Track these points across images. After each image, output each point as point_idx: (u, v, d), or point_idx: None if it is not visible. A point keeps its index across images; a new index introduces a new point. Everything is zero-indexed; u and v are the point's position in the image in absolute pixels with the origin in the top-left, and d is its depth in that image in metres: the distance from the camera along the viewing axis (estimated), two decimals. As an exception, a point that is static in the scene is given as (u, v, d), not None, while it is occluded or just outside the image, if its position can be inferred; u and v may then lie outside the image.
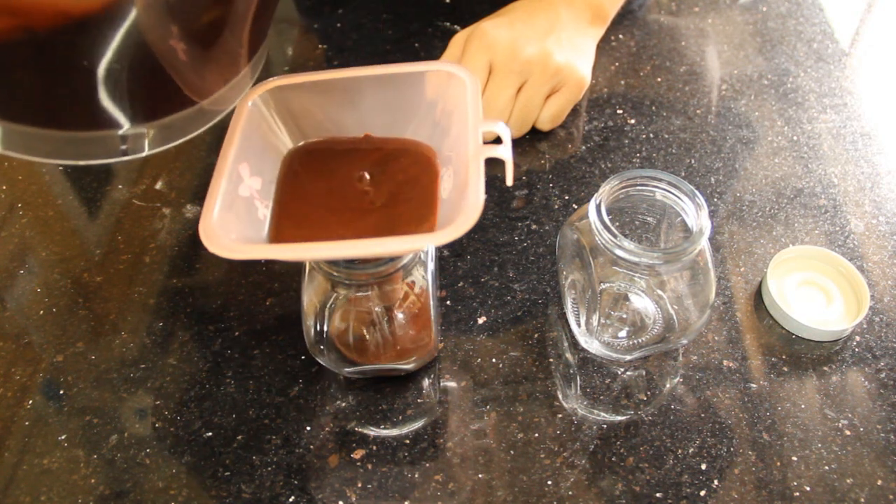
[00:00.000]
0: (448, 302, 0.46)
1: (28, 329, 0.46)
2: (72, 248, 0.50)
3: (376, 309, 0.39)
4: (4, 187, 0.54)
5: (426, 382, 0.43)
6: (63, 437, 0.41)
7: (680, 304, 0.42)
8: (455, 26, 0.64)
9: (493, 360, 0.43)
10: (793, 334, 0.44)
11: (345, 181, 0.37)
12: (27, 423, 0.41)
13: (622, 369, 0.43)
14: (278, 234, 0.35)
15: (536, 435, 0.40)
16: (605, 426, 0.40)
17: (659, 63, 0.61)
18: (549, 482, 0.38)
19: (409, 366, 0.41)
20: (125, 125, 0.30)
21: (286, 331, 0.45)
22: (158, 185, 0.53)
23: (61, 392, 0.43)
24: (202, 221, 0.31)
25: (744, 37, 0.64)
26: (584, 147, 0.55)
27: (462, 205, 0.30)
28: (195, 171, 0.54)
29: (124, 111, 0.30)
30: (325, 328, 0.40)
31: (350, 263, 0.35)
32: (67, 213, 0.53)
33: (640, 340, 0.43)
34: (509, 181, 0.32)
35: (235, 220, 0.33)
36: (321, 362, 0.41)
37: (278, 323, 0.45)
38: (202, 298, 0.47)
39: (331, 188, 0.37)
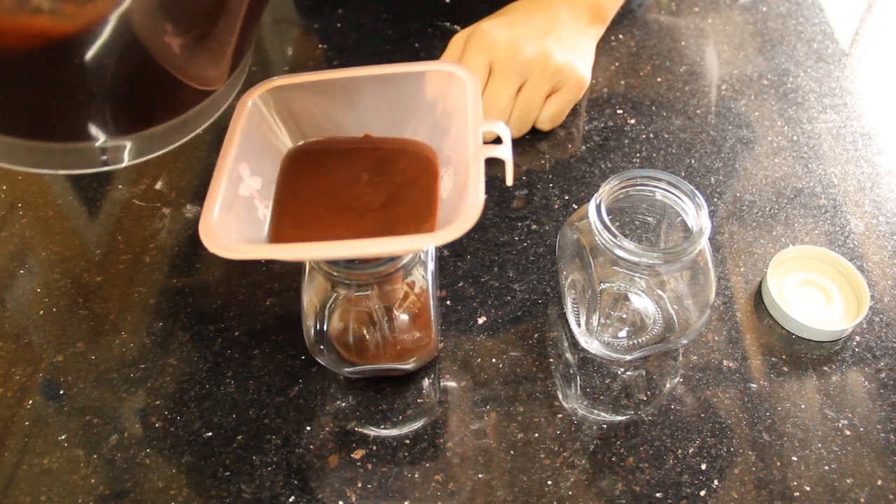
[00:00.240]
0: (448, 302, 0.46)
1: (28, 329, 0.46)
2: (72, 248, 0.50)
3: (376, 309, 0.39)
4: (4, 187, 0.54)
5: (426, 382, 0.43)
6: (63, 437, 0.41)
7: (680, 304, 0.42)
8: (455, 26, 0.64)
9: (493, 360, 0.43)
10: (793, 334, 0.44)
11: (345, 181, 0.37)
12: (27, 423, 0.41)
13: (622, 369, 0.43)
14: (278, 234, 0.35)
15: (536, 435, 0.40)
16: (605, 426, 0.40)
17: (659, 63, 0.61)
18: (549, 482, 0.38)
19: (409, 366, 0.41)
20: (106, 138, 0.30)
21: (286, 331, 0.45)
22: (158, 185, 0.53)
23: (61, 392, 0.43)
24: (202, 221, 0.31)
25: (744, 37, 0.64)
26: (584, 147, 0.55)
27: (462, 205, 0.30)
28: (195, 171, 0.54)
29: (105, 124, 0.30)
30: (325, 328, 0.40)
31: (350, 263, 0.35)
32: (67, 213, 0.53)
33: (640, 340, 0.43)
34: (509, 181, 0.32)
35: (235, 220, 0.33)
36: (321, 362, 0.41)
37: (278, 323, 0.45)
38: (202, 298, 0.47)
39: (331, 188, 0.37)
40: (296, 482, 0.39)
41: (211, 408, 0.42)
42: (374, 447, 0.40)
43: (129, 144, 0.31)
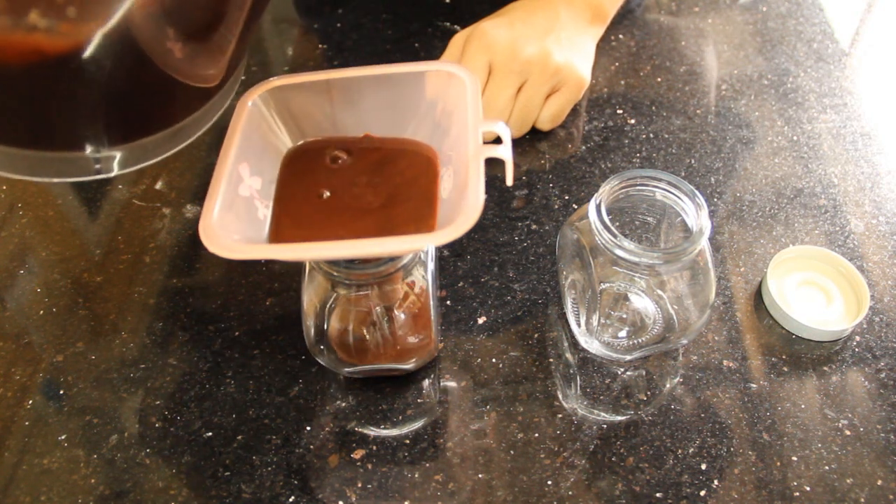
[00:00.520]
0: (448, 302, 0.46)
1: (28, 329, 0.46)
2: (72, 248, 0.50)
3: (376, 309, 0.39)
4: (4, 187, 0.54)
5: (426, 382, 0.43)
6: (63, 437, 0.41)
7: (680, 304, 0.42)
8: (455, 26, 0.64)
9: (493, 360, 0.43)
10: (793, 334, 0.44)
11: (345, 181, 0.37)
12: (27, 423, 0.41)
13: (622, 369, 0.43)
14: (278, 234, 0.35)
15: (536, 435, 0.40)
16: (605, 426, 0.40)
17: (659, 63, 0.61)
18: (549, 482, 0.38)
19: (409, 366, 0.41)
20: (100, 148, 0.30)
21: (286, 331, 0.45)
22: (158, 185, 0.53)
23: (61, 392, 0.43)
24: (202, 221, 0.31)
25: (744, 37, 0.64)
26: (584, 147, 0.55)
27: (462, 205, 0.30)
28: (195, 171, 0.54)
29: (99, 135, 0.30)
30: (325, 328, 0.40)
31: (350, 263, 0.35)
32: (67, 213, 0.53)
33: (640, 340, 0.43)
34: (509, 181, 0.32)
35: (235, 220, 0.33)
36: (321, 362, 0.41)
37: (278, 323, 0.45)
38: (202, 298, 0.47)
39: (331, 188, 0.37)
40: (296, 482, 0.39)
41: (211, 408, 0.42)
42: (374, 447, 0.40)
43: (121, 154, 0.31)
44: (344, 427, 0.41)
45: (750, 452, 0.39)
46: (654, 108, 0.57)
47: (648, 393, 0.42)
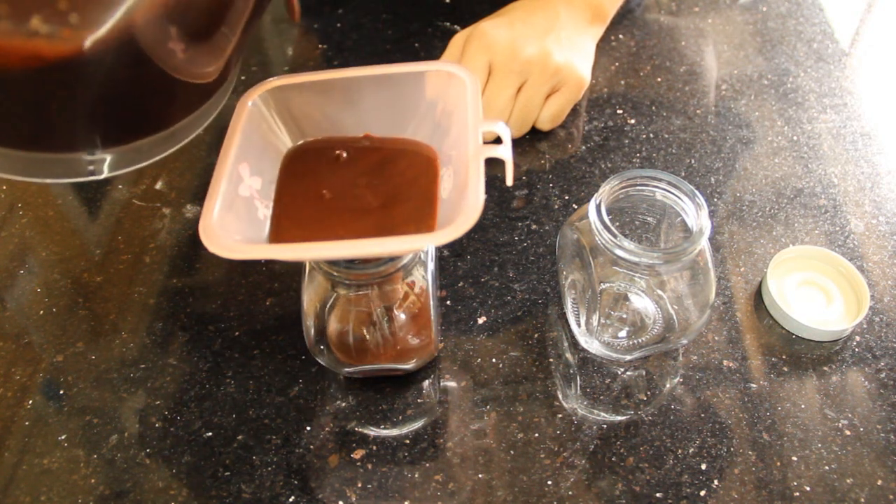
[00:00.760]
0: (448, 302, 0.46)
1: (28, 329, 0.46)
2: (72, 248, 0.50)
3: (376, 309, 0.39)
4: (4, 187, 0.54)
5: (426, 382, 0.43)
6: (63, 437, 0.41)
7: (680, 304, 0.42)
8: (455, 26, 0.64)
9: (493, 360, 0.43)
10: (793, 334, 0.44)
11: (345, 181, 0.37)
12: (27, 423, 0.41)
13: (622, 369, 0.43)
14: (278, 234, 0.35)
15: (536, 435, 0.40)
16: (605, 426, 0.40)
17: (659, 63, 0.61)
18: (549, 482, 0.38)
19: (409, 366, 0.41)
20: (93, 150, 0.30)
21: (286, 331, 0.45)
22: (158, 185, 0.53)
23: (61, 392, 0.43)
24: (202, 221, 0.31)
25: (744, 37, 0.64)
26: (584, 147, 0.55)
27: (462, 205, 0.30)
28: (195, 171, 0.54)
29: (94, 138, 0.31)
30: (325, 328, 0.40)
31: (350, 263, 0.35)
32: (67, 213, 0.53)
33: (640, 340, 0.43)
34: (509, 181, 0.32)
35: (235, 220, 0.33)
36: (321, 362, 0.41)
37: (278, 323, 0.45)
38: (202, 298, 0.47)
39: (331, 188, 0.37)
40: (296, 482, 0.39)
41: (211, 408, 0.42)
42: (374, 447, 0.40)
43: (115, 156, 0.31)
44: (344, 427, 0.41)
45: (750, 452, 0.39)
46: (654, 108, 0.57)
47: (648, 393, 0.42)
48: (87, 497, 0.39)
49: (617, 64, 0.61)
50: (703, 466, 0.39)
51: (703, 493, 0.38)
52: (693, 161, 0.54)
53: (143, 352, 0.44)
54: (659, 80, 0.60)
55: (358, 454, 0.40)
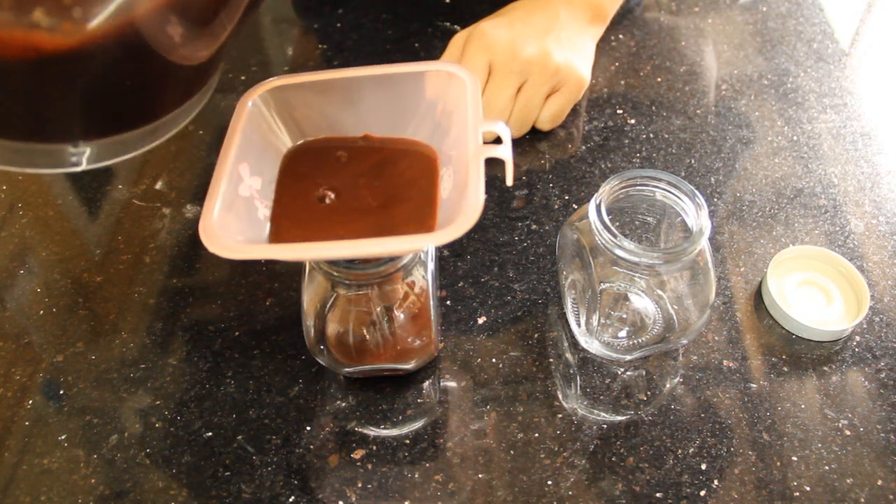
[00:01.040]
0: (448, 302, 0.46)
1: (28, 329, 0.46)
2: (72, 248, 0.50)
3: (376, 309, 0.39)
4: (4, 187, 0.54)
5: (426, 382, 0.43)
6: (63, 437, 0.41)
7: (680, 304, 0.42)
8: (455, 26, 0.64)
9: (493, 360, 0.43)
10: (793, 334, 0.44)
11: (345, 181, 0.37)
12: (27, 423, 0.41)
13: (622, 369, 0.43)
14: (278, 234, 0.35)
15: (536, 435, 0.40)
16: (605, 426, 0.40)
17: (659, 63, 0.61)
18: (549, 482, 0.38)
19: (409, 366, 0.41)
20: (79, 141, 0.30)
21: (286, 331, 0.45)
22: (158, 185, 0.53)
23: (61, 392, 0.43)
24: (202, 221, 0.31)
25: (744, 37, 0.64)
26: (584, 147, 0.55)
27: (462, 205, 0.30)
28: (195, 171, 0.54)
29: (83, 128, 0.30)
30: (325, 328, 0.40)
31: (350, 263, 0.35)
32: (67, 213, 0.53)
33: (640, 340, 0.43)
34: (509, 181, 0.32)
35: (235, 220, 0.33)
36: (321, 362, 0.41)
37: (278, 323, 0.45)
38: (202, 298, 0.47)
39: (331, 188, 0.37)
40: (296, 482, 0.39)
41: (211, 408, 0.42)
42: (374, 447, 0.40)
43: (99, 148, 0.31)
44: (344, 427, 0.41)
45: (750, 452, 0.39)
46: (654, 108, 0.57)
47: (648, 393, 0.42)
48: (87, 497, 0.39)
49: (617, 64, 0.61)
50: (703, 466, 0.39)
51: (703, 493, 0.38)
52: (693, 161, 0.54)
53: (143, 352, 0.44)
54: (659, 80, 0.60)
55: (358, 454, 0.40)
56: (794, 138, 0.55)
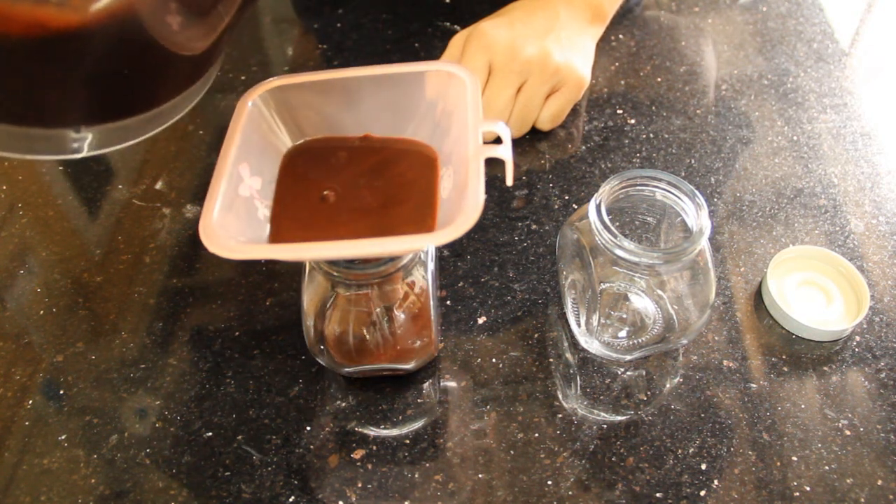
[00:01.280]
0: (448, 302, 0.46)
1: (28, 329, 0.46)
2: (72, 248, 0.50)
3: (376, 309, 0.39)
4: (4, 187, 0.54)
5: (426, 382, 0.43)
6: (63, 437, 0.41)
7: (680, 304, 0.42)
8: (455, 26, 0.64)
9: (493, 360, 0.43)
10: (793, 334, 0.44)
11: (345, 181, 0.37)
12: (27, 423, 0.41)
13: (622, 369, 0.43)
14: (278, 234, 0.35)
15: (536, 435, 0.40)
16: (605, 426, 0.40)
17: (659, 63, 0.61)
18: (549, 482, 0.38)
19: (409, 366, 0.41)
20: (80, 126, 0.30)
21: (286, 331, 0.45)
22: (158, 185, 0.53)
23: (61, 392, 0.43)
24: (202, 221, 0.31)
25: (744, 37, 0.64)
26: (584, 147, 0.55)
27: (462, 205, 0.30)
28: (195, 171, 0.54)
29: (85, 113, 0.30)
30: (325, 328, 0.40)
31: (350, 263, 0.35)
32: (67, 213, 0.53)
33: (640, 340, 0.43)
34: (509, 181, 0.32)
35: (235, 220, 0.33)
36: (321, 362, 0.41)
37: (278, 323, 0.45)
38: (202, 298, 0.47)
39: (331, 188, 0.37)
40: (296, 482, 0.39)
41: (211, 408, 0.42)
42: (374, 447, 0.40)
43: (101, 134, 0.31)
44: (344, 427, 0.41)
45: (750, 452, 0.39)
46: (654, 108, 0.57)
47: (648, 393, 0.42)
48: (87, 497, 0.39)
49: (617, 64, 0.61)
50: (703, 466, 0.39)
51: (703, 493, 0.38)
52: (693, 161, 0.54)
53: (143, 352, 0.44)
54: (659, 80, 0.60)
55: (358, 454, 0.40)
56: (794, 138, 0.55)
